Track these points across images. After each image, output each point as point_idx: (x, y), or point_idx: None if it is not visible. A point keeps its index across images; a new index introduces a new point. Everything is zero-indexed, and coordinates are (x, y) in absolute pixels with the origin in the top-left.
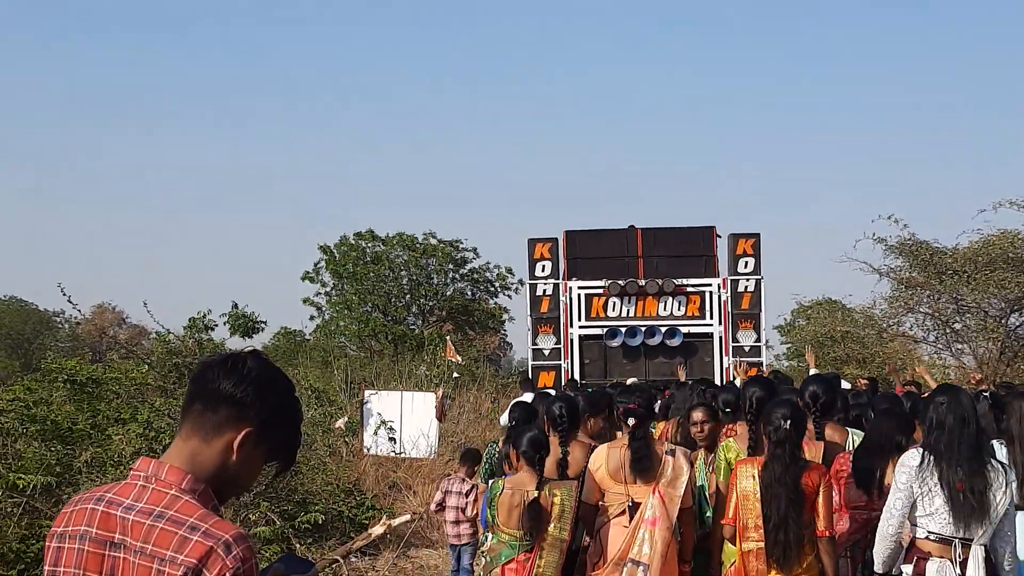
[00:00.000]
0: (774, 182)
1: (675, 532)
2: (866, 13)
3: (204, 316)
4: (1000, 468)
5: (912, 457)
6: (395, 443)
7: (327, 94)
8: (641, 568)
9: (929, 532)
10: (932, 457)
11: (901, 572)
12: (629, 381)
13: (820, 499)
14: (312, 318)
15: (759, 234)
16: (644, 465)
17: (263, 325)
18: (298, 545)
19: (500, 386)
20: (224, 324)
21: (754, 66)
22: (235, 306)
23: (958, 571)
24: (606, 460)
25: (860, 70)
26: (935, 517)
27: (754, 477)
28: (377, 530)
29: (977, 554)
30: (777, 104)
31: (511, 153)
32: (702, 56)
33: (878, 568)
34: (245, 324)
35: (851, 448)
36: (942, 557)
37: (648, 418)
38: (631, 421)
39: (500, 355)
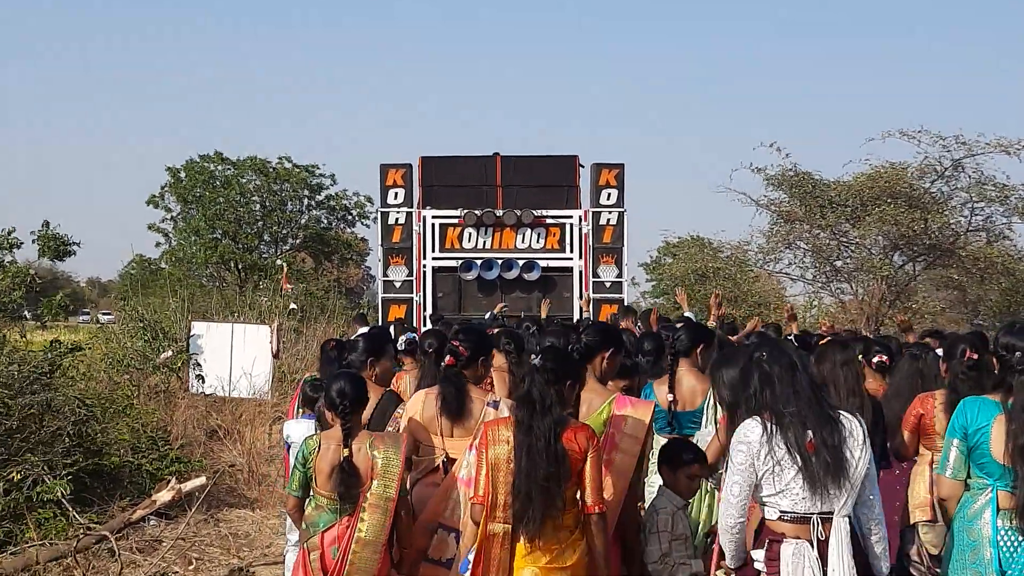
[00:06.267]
0: (645, 113)
1: None
2: None
3: (9, 233)
4: (853, 419)
5: (750, 430)
6: (202, 381)
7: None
8: (452, 535)
9: (782, 512)
10: (773, 422)
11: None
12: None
13: (588, 467)
14: (158, 244)
15: (623, 164)
16: (451, 409)
17: (76, 247)
18: (72, 511)
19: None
20: (33, 243)
21: None
22: (46, 225)
23: (816, 554)
24: (422, 408)
25: None
26: (787, 494)
27: (508, 441)
28: (163, 496)
29: (840, 528)
30: (652, 29)
31: (376, 75)
32: None
33: (729, 563)
34: (56, 245)
35: None
36: (798, 538)
37: (473, 358)
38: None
39: (364, 288)
